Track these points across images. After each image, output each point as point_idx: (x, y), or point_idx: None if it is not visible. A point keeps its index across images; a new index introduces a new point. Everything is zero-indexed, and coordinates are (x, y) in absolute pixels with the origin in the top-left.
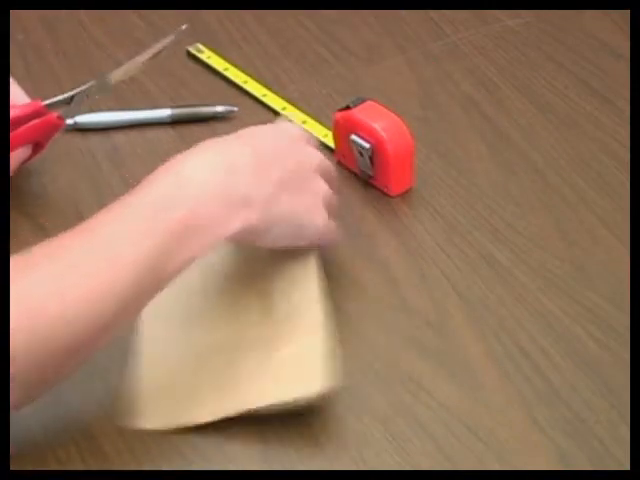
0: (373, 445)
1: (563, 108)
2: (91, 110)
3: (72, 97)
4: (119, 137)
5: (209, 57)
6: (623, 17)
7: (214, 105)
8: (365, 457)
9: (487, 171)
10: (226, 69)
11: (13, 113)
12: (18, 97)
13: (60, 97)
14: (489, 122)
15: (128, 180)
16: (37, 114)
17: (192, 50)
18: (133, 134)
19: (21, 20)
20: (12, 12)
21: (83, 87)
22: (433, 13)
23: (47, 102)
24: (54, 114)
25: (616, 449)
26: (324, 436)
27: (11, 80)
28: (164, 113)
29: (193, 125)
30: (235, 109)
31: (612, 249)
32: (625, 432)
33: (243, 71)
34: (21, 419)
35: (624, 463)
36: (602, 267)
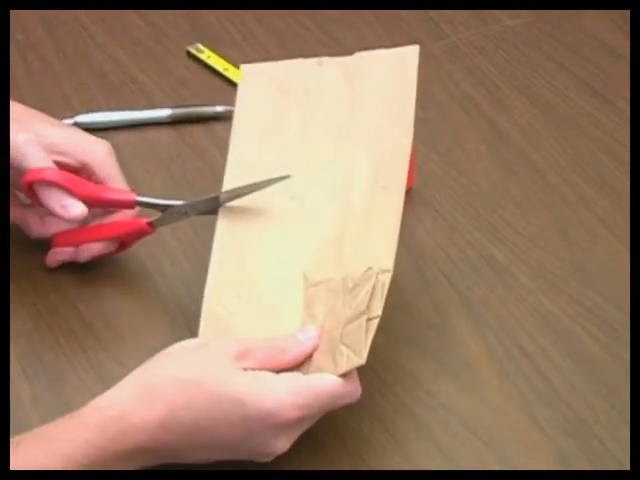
0: (373, 445)
1: (563, 108)
2: (91, 110)
3: (167, 206)
4: (119, 137)
5: (209, 57)
6: (623, 17)
7: (214, 105)
8: (365, 457)
9: (487, 171)
10: (226, 69)
11: (106, 194)
12: (116, 181)
13: (156, 200)
14: (489, 122)
15: (128, 180)
16: (126, 205)
17: (192, 50)
18: (133, 134)
19: (21, 20)
20: (12, 12)
21: (182, 202)
22: (433, 13)
23: (141, 199)
24: (145, 220)
25: (616, 449)
26: (324, 436)
27: (114, 165)
28: (164, 113)
29: (193, 125)
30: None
31: (612, 249)
32: (625, 432)
33: None
34: (22, 418)
35: (624, 463)
36: (602, 267)
